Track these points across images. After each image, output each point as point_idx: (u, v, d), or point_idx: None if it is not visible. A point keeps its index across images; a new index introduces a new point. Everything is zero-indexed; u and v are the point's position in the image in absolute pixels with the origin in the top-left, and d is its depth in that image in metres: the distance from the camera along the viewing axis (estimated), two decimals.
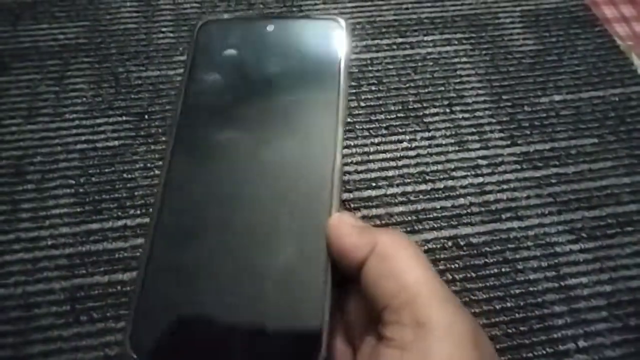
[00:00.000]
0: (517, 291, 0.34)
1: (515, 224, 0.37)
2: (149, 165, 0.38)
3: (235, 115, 0.24)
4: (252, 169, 0.22)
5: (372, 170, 0.39)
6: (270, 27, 0.26)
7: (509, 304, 0.33)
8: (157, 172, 0.38)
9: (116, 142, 0.39)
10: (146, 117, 0.41)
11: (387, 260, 0.19)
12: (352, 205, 0.37)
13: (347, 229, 0.20)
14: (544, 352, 0.32)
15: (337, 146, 0.22)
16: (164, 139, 0.40)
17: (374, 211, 0.37)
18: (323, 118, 0.22)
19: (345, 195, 0.38)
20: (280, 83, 0.25)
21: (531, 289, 0.34)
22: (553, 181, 0.39)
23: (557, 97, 0.44)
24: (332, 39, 0.25)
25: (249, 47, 0.26)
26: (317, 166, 0.21)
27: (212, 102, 0.24)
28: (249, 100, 0.24)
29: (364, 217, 0.37)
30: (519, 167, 0.40)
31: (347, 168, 0.39)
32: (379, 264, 0.19)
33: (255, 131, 0.23)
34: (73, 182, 0.37)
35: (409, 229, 0.36)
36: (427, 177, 0.39)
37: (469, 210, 0.37)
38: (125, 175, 0.38)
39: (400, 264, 0.19)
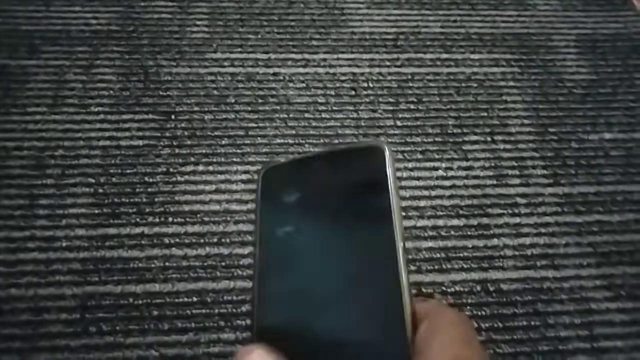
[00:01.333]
0: (546, 348, 0.32)
1: (550, 273, 0.35)
2: (171, 170, 0.37)
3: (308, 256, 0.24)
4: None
5: (403, 198, 0.37)
6: (321, 163, 0.27)
7: None
8: (179, 178, 0.36)
9: (140, 142, 0.38)
10: (173, 117, 0.39)
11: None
12: None
13: None
14: None
15: (400, 263, 0.21)
16: (188, 142, 0.38)
17: None
18: (382, 238, 0.22)
19: None
20: (340, 216, 0.25)
21: (561, 347, 0.32)
22: (595, 229, 0.37)
23: (607, 135, 0.41)
24: (378, 164, 0.27)
25: (308, 187, 0.26)
26: (383, 284, 0.21)
27: (287, 250, 0.26)
28: (317, 243, 0.25)
29: None
30: (559, 209, 0.37)
31: None
32: None
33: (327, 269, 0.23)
34: (93, 181, 0.36)
35: (436, 267, 0.34)
36: (461, 212, 0.37)
37: (502, 253, 0.35)
38: (146, 178, 0.36)
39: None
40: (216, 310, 0.32)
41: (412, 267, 0.34)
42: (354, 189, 0.26)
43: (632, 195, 0.38)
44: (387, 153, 0.26)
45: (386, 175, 0.25)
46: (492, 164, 0.39)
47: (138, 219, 0.35)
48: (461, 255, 0.35)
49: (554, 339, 0.32)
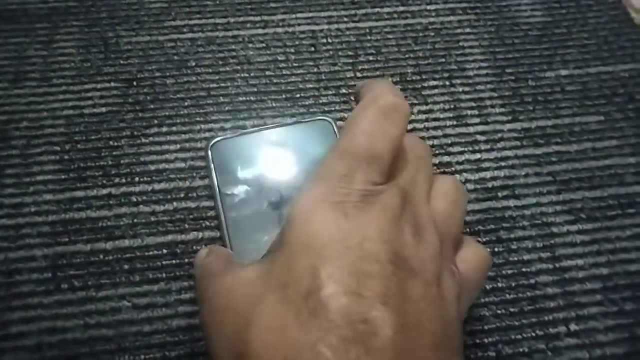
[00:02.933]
0: (510, 272, 0.33)
1: (512, 202, 0.35)
2: (136, 133, 0.37)
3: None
4: None
5: None
6: (273, 136, 0.34)
7: (500, 285, 0.32)
8: (144, 140, 0.37)
9: (103, 109, 0.38)
10: (135, 83, 0.40)
11: None
12: None
13: None
14: (534, 334, 0.31)
15: None
16: (152, 106, 0.38)
17: None
18: None
19: None
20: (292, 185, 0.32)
21: (524, 269, 0.33)
22: (554, 159, 0.37)
23: (563, 72, 0.42)
24: (326, 136, 0.34)
25: (260, 157, 0.33)
26: None
27: (247, 209, 0.31)
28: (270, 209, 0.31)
29: None
30: (519, 143, 0.38)
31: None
32: None
33: None
34: (58, 148, 0.36)
35: None
36: None
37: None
38: (111, 142, 0.37)
39: None
40: (186, 260, 0.32)
41: None
42: (305, 158, 0.32)
43: (589, 125, 0.39)
44: (334, 127, 0.34)
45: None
46: (452, 106, 0.40)
47: (105, 181, 0.35)
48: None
49: (518, 263, 0.33)
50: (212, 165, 0.32)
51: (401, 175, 0.23)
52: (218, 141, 0.34)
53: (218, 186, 0.32)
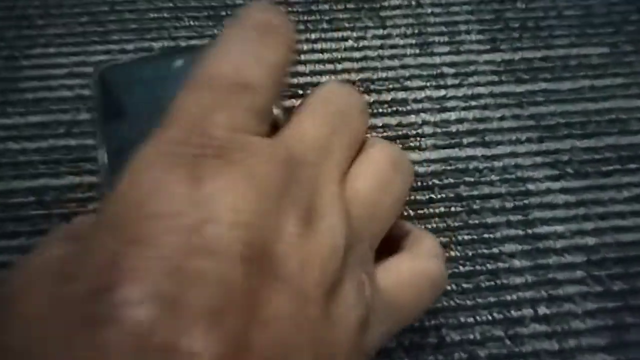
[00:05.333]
0: (467, 237, 0.26)
1: (479, 151, 0.28)
2: (16, 54, 0.30)
3: None
4: None
5: (302, 74, 0.30)
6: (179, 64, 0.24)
7: (453, 254, 0.25)
8: (25, 62, 0.30)
9: None
10: None
11: None
12: None
13: None
14: (490, 317, 0.24)
15: None
16: (40, 22, 0.31)
17: None
18: None
19: None
20: None
21: (486, 235, 0.26)
22: (539, 99, 0.30)
23: None
24: None
25: (160, 89, 0.23)
26: None
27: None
28: None
29: None
30: (496, 78, 0.30)
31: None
32: None
33: None
34: None
35: None
36: (372, 87, 0.30)
37: (419, 131, 0.28)
38: None
39: None
40: (55, 211, 0.26)
41: None
42: None
43: (590, 58, 0.31)
44: None
45: None
46: (416, 31, 0.32)
47: None
48: (368, 135, 0.28)
49: (479, 227, 0.26)
50: (100, 97, 0.25)
51: (298, 130, 0.16)
52: (110, 67, 0.26)
53: (103, 122, 0.24)
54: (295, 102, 0.29)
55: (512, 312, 0.24)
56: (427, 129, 0.28)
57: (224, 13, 0.32)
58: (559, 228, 0.26)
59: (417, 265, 0.18)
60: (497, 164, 0.28)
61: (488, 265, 0.25)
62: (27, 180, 0.26)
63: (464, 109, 0.29)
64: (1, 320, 0.12)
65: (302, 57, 0.31)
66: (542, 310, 0.24)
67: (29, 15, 0.31)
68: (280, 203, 0.13)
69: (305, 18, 0.32)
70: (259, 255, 0.12)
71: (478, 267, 0.25)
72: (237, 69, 0.14)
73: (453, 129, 0.29)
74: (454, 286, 0.25)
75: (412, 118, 0.29)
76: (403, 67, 0.30)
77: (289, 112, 0.18)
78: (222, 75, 0.14)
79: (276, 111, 0.22)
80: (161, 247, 0.11)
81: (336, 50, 0.31)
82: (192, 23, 0.31)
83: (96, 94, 0.25)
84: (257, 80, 0.14)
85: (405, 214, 0.26)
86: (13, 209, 0.26)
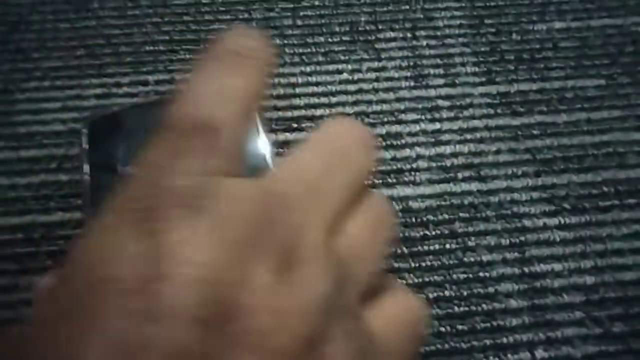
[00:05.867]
0: (462, 276, 0.25)
1: (474, 186, 0.28)
2: (10, 87, 0.30)
3: None
4: None
5: (297, 108, 0.30)
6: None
7: (447, 293, 0.25)
8: (19, 96, 0.30)
9: None
10: (21, 27, 0.32)
11: None
12: None
13: None
14: None
15: None
16: (36, 55, 0.31)
17: None
18: None
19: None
20: None
21: (482, 274, 0.25)
22: (535, 132, 0.29)
23: (558, 25, 0.33)
24: None
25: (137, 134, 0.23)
26: None
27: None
28: None
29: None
30: (492, 111, 0.30)
31: (264, 103, 0.30)
32: None
33: None
34: None
35: None
36: (367, 120, 0.29)
37: (414, 165, 0.28)
38: None
39: None
40: (44, 248, 0.25)
41: None
42: None
43: (585, 91, 0.31)
44: None
45: None
46: (411, 64, 0.31)
47: None
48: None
49: (474, 265, 0.25)
50: (89, 150, 0.23)
51: (289, 169, 0.15)
52: (99, 118, 0.25)
53: (91, 176, 0.22)
54: (290, 135, 0.29)
55: (509, 355, 0.23)
56: (422, 163, 0.28)
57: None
58: (557, 266, 0.25)
59: (407, 308, 0.17)
60: (493, 199, 0.27)
61: (484, 305, 0.24)
62: (15, 217, 0.26)
63: (459, 142, 0.29)
64: None
65: (297, 90, 0.30)
66: (540, 353, 0.24)
67: (25, 48, 0.31)
68: (252, 251, 0.12)
69: (300, 51, 0.32)
70: (219, 314, 0.11)
71: (473, 308, 0.24)
72: (203, 108, 0.14)
73: (448, 163, 0.28)
74: (448, 328, 0.24)
75: (407, 152, 0.28)
76: (398, 100, 0.30)
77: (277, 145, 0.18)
78: (187, 117, 0.14)
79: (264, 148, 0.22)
80: (109, 318, 0.11)
81: (331, 83, 0.31)
82: (187, 56, 0.31)
83: (85, 146, 0.23)
84: (224, 117, 0.14)
85: (399, 251, 0.26)
86: None
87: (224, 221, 0.12)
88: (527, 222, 0.27)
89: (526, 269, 0.25)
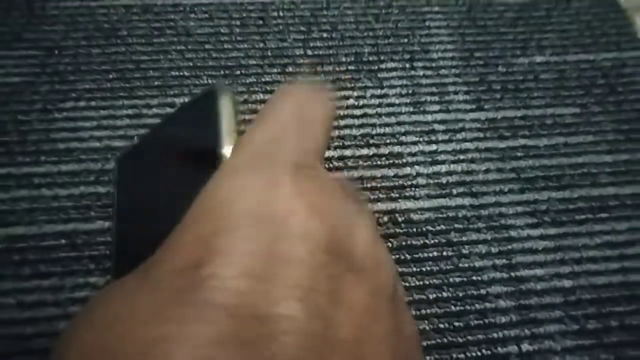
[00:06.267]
0: (458, 279, 0.29)
1: (467, 201, 0.31)
2: (49, 107, 0.33)
3: None
4: None
5: None
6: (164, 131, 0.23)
7: (445, 294, 0.28)
8: (57, 115, 0.33)
9: (16, 79, 0.34)
10: (56, 52, 0.35)
11: None
12: None
13: None
14: (479, 353, 0.27)
15: None
16: (71, 78, 0.34)
17: None
18: None
19: None
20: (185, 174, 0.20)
21: (475, 278, 0.29)
22: (519, 154, 0.33)
23: (538, 59, 0.38)
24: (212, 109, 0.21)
25: (159, 161, 0.22)
26: None
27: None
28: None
29: None
30: (481, 135, 0.34)
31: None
32: None
33: None
34: None
35: None
36: (372, 141, 0.33)
37: (414, 182, 0.32)
38: (19, 116, 0.32)
39: None
40: (86, 253, 0.28)
41: None
42: (193, 142, 0.21)
43: (563, 118, 0.35)
44: (220, 94, 0.21)
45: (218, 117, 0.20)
46: (410, 91, 0.35)
47: (6, 160, 0.31)
48: (369, 185, 0.31)
49: (468, 270, 0.29)
50: (117, 183, 0.23)
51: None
52: (126, 154, 0.24)
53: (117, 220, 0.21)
54: None
55: (499, 348, 0.27)
56: (421, 180, 0.32)
57: (238, 72, 0.35)
58: (539, 271, 0.29)
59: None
60: (484, 212, 0.31)
61: (477, 305, 0.28)
62: (59, 225, 0.29)
63: (453, 162, 0.33)
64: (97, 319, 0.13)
65: None
66: (526, 347, 0.27)
67: (61, 71, 0.35)
68: (354, 211, 0.15)
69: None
70: (339, 248, 0.13)
71: (468, 307, 0.28)
72: (301, 109, 0.16)
73: (444, 180, 0.32)
74: (446, 324, 0.27)
75: (407, 170, 0.32)
76: (399, 123, 0.34)
77: None
78: (287, 113, 0.16)
79: None
80: (251, 234, 0.13)
81: (339, 107, 0.34)
82: (210, 81, 0.35)
83: (114, 180, 0.23)
84: (317, 123, 0.17)
85: (402, 257, 0.29)
86: (46, 251, 0.28)
87: (335, 187, 0.15)
88: (513, 233, 0.30)
89: (513, 274, 0.29)
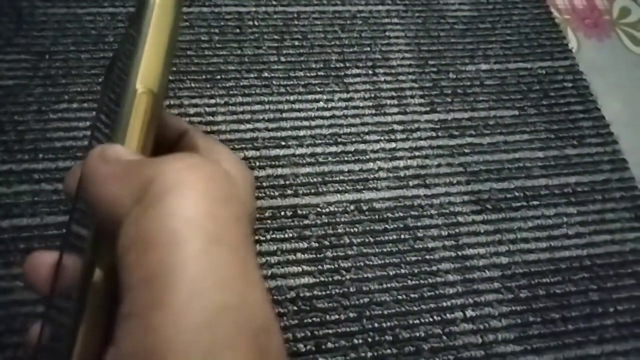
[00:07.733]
0: (414, 258, 0.34)
1: (422, 191, 0.36)
2: (43, 108, 0.36)
3: None
4: None
5: (284, 129, 0.38)
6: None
7: (403, 271, 0.33)
8: (52, 115, 0.36)
9: (10, 82, 0.37)
10: (47, 57, 0.38)
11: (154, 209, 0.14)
12: (257, 164, 0.36)
13: (109, 169, 0.16)
14: (431, 319, 0.32)
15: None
16: (63, 81, 0.37)
17: (280, 171, 0.36)
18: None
19: (252, 153, 0.36)
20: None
21: (428, 257, 0.34)
22: (466, 151, 0.38)
23: (484, 66, 0.43)
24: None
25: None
26: None
27: None
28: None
29: (268, 177, 0.35)
30: (434, 134, 0.39)
31: (257, 125, 0.37)
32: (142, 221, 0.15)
33: None
34: None
35: (313, 190, 0.35)
36: (339, 140, 0.38)
37: (376, 175, 0.36)
38: (16, 117, 0.35)
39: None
40: None
41: (289, 192, 0.35)
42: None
43: (504, 119, 0.40)
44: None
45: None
46: (372, 95, 0.40)
47: (6, 157, 0.34)
48: (337, 179, 0.36)
49: (422, 250, 0.34)
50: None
51: None
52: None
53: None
54: (280, 151, 0.37)
55: (447, 315, 0.32)
56: (382, 174, 0.36)
57: (219, 77, 0.39)
58: (481, 250, 0.34)
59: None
60: (435, 201, 0.36)
61: (429, 279, 0.33)
62: (60, 216, 0.32)
63: (409, 158, 0.38)
64: None
65: (283, 115, 0.38)
66: (469, 312, 0.32)
67: (53, 75, 0.37)
68: None
69: (285, 83, 0.40)
70: None
71: (422, 281, 0.33)
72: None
73: (402, 174, 0.37)
74: (404, 296, 0.32)
75: (370, 165, 0.37)
76: (362, 124, 0.39)
77: None
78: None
79: None
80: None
81: (310, 109, 0.39)
82: (192, 85, 0.38)
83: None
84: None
85: (367, 240, 0.34)
86: (49, 240, 0.31)
87: None
88: (460, 218, 0.35)
89: (459, 253, 0.34)
